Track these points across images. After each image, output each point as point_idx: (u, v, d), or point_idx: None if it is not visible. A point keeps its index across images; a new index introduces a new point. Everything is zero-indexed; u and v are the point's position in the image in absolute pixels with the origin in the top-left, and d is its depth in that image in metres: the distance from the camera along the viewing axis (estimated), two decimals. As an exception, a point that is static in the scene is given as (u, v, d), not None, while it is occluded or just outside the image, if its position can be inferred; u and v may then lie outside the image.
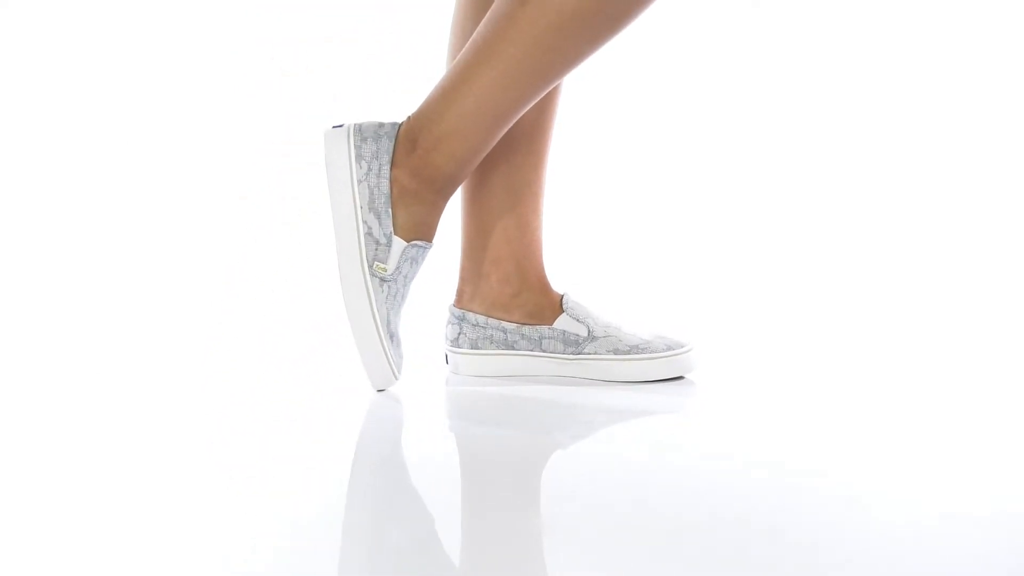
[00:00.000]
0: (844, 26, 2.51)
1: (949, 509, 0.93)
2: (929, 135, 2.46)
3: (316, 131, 1.41)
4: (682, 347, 1.40)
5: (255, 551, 0.87)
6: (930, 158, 2.45)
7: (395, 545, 0.88)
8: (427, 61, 2.03)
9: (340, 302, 1.31)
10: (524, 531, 0.92)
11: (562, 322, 1.41)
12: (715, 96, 2.55)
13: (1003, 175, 2.41)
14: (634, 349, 1.39)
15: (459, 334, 1.44)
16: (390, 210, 1.31)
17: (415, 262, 1.33)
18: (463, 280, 1.45)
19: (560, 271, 1.49)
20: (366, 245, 1.31)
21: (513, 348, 1.42)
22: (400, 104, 1.45)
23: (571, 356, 1.41)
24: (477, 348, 1.43)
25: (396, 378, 1.33)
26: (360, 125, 1.33)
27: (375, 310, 1.30)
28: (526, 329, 1.42)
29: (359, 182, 1.31)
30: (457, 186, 1.34)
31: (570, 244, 2.03)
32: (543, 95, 1.32)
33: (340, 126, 1.33)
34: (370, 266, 1.30)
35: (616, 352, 1.39)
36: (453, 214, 1.44)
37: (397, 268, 1.31)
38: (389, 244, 1.31)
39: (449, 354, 1.46)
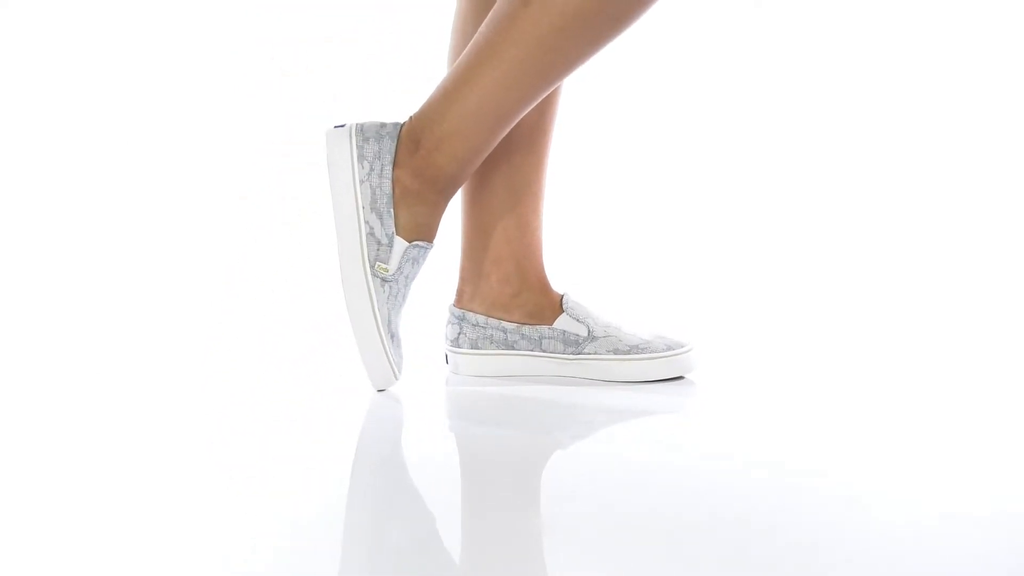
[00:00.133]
0: (845, 27, 2.51)
1: (949, 509, 0.93)
2: (929, 135, 2.46)
3: (316, 131, 1.42)
4: (682, 347, 1.40)
5: (255, 551, 0.87)
6: (930, 158, 2.45)
7: (395, 545, 0.88)
8: (427, 61, 2.03)
9: (341, 302, 1.31)
10: (524, 531, 0.92)
11: (562, 322, 1.41)
12: (715, 97, 2.55)
13: (1003, 175, 2.41)
14: (634, 349, 1.39)
15: (459, 334, 1.44)
16: (392, 210, 1.31)
17: (416, 262, 1.33)
18: (463, 280, 1.45)
19: (560, 271, 1.49)
20: (368, 245, 1.30)
21: (513, 348, 1.42)
22: (400, 104, 1.45)
23: (571, 356, 1.41)
24: (477, 348, 1.43)
25: (396, 378, 1.33)
26: (362, 125, 1.33)
27: (376, 310, 1.30)
28: (526, 329, 1.42)
29: (361, 182, 1.31)
30: (459, 186, 1.34)
31: (570, 244, 2.03)
32: (545, 95, 1.31)
33: (342, 126, 1.33)
34: (372, 266, 1.30)
35: (616, 352, 1.39)
36: (453, 214, 1.44)
37: (399, 268, 1.31)
38: (391, 244, 1.31)
39: (449, 354, 1.46)
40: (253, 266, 2.30)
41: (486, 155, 1.33)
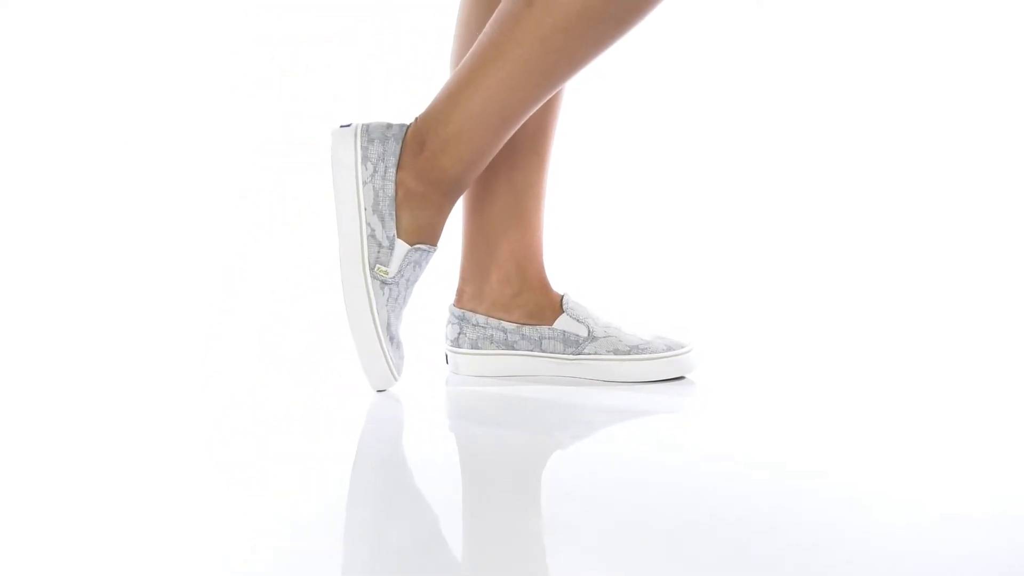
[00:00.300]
0: (846, 28, 2.51)
1: (949, 510, 0.93)
2: (929, 136, 2.46)
3: (316, 131, 1.42)
4: (682, 347, 1.40)
5: (255, 551, 0.87)
6: (930, 159, 2.45)
7: (395, 545, 0.88)
8: (427, 61, 2.03)
9: (340, 303, 1.31)
10: (524, 531, 0.92)
11: (562, 322, 1.41)
12: (715, 98, 2.55)
13: (1003, 175, 2.41)
14: (634, 349, 1.39)
15: (459, 334, 1.44)
16: (394, 213, 1.30)
17: (418, 265, 1.32)
18: (463, 280, 1.45)
19: (560, 271, 1.49)
20: (368, 247, 1.30)
21: (513, 348, 1.42)
22: (400, 104, 1.45)
23: (571, 356, 1.41)
24: (477, 348, 1.43)
25: (395, 380, 1.33)
26: (368, 125, 1.32)
27: (375, 312, 1.30)
28: (526, 329, 1.42)
29: (364, 183, 1.31)
30: (464, 189, 1.33)
31: (570, 244, 2.03)
32: (550, 96, 1.31)
33: (348, 125, 1.33)
34: (371, 268, 1.30)
35: (616, 352, 1.39)
36: (454, 214, 1.44)
37: (399, 271, 1.31)
38: (392, 247, 1.30)
39: (449, 354, 1.46)
40: (253, 266, 2.30)
41: (491, 156, 1.32)
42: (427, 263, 1.34)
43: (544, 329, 1.41)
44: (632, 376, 1.39)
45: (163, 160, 2.47)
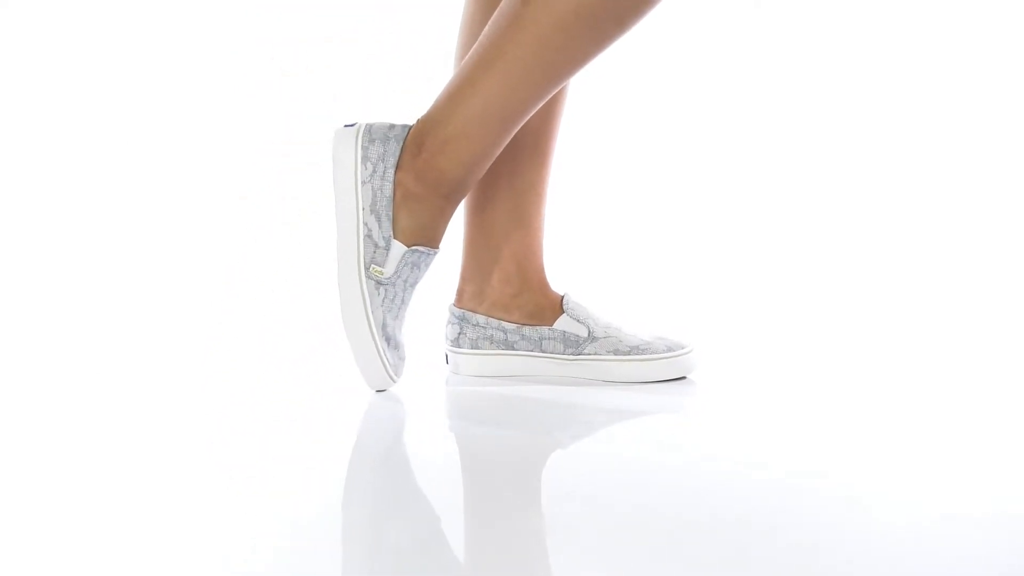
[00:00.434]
0: (845, 27, 2.51)
1: (949, 510, 0.93)
2: (929, 136, 2.46)
3: (316, 131, 1.42)
4: (682, 348, 1.40)
5: (255, 551, 0.87)
6: (929, 159, 2.45)
7: (395, 545, 0.88)
8: (427, 61, 2.03)
9: (336, 302, 1.31)
10: (524, 531, 0.92)
11: (562, 323, 1.41)
12: (715, 98, 2.55)
13: (1003, 175, 2.41)
14: (634, 350, 1.39)
15: (459, 334, 1.44)
16: (391, 213, 1.30)
17: (416, 267, 1.32)
18: (464, 280, 1.45)
19: (560, 271, 1.49)
20: (364, 247, 1.30)
21: (513, 348, 1.42)
22: (400, 104, 1.45)
23: (571, 357, 1.41)
24: (477, 348, 1.43)
25: (393, 381, 1.33)
26: (371, 126, 1.32)
27: (369, 313, 1.29)
28: (526, 330, 1.42)
29: (363, 183, 1.31)
30: (465, 192, 1.32)
31: (570, 244, 2.03)
32: (550, 96, 1.31)
33: (352, 125, 1.33)
34: (366, 268, 1.29)
35: (616, 353, 1.39)
36: (455, 215, 1.44)
37: (396, 272, 1.30)
38: (388, 248, 1.30)
39: (449, 354, 1.46)
40: (253, 266, 2.30)
41: (492, 159, 1.32)
42: (427, 265, 1.33)
43: (544, 329, 1.41)
44: (632, 377, 1.39)
45: (163, 160, 2.47)
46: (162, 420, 1.28)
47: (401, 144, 1.31)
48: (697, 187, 2.52)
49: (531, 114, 1.30)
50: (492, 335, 1.43)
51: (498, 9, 1.28)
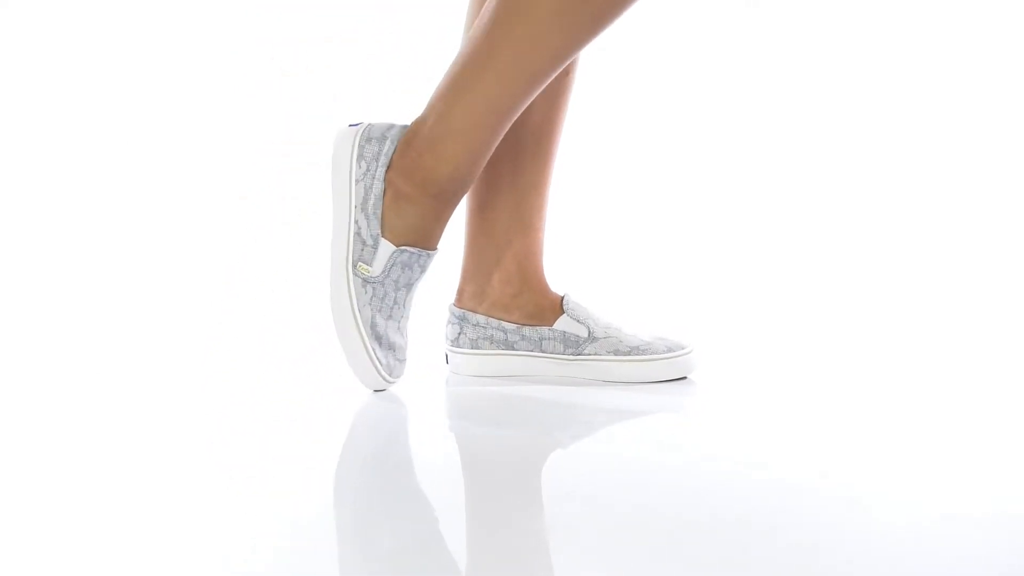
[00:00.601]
0: (843, 26, 2.51)
1: (949, 510, 0.93)
2: (928, 135, 2.46)
3: (316, 131, 1.42)
4: (683, 348, 1.40)
5: (255, 551, 0.87)
6: (929, 158, 2.45)
7: (395, 545, 0.88)
8: (427, 61, 2.02)
9: (326, 299, 1.32)
10: (524, 531, 0.92)
11: (562, 323, 1.41)
12: (715, 98, 2.55)
13: (1003, 175, 2.41)
14: (634, 350, 1.39)
15: (459, 334, 1.44)
16: (379, 212, 1.31)
17: (408, 268, 1.32)
18: (464, 279, 1.45)
19: (560, 272, 1.49)
20: (353, 244, 1.31)
21: (513, 348, 1.42)
22: (400, 104, 1.45)
23: (571, 357, 1.41)
24: (477, 348, 1.43)
25: (385, 380, 1.33)
26: (372, 126, 1.33)
27: (356, 310, 1.30)
28: (526, 330, 1.42)
29: (356, 181, 1.31)
30: (457, 193, 1.32)
31: (570, 245, 2.03)
32: (534, 94, 1.30)
33: (356, 124, 1.34)
34: (353, 266, 1.30)
35: (616, 353, 1.39)
36: (457, 214, 1.44)
37: (385, 272, 1.31)
38: (376, 246, 1.30)
39: (449, 354, 1.46)
40: (253, 266, 2.30)
41: (481, 159, 1.31)
42: (421, 267, 1.33)
43: (544, 330, 1.41)
44: (632, 377, 1.39)
45: (163, 160, 2.47)
46: (162, 420, 1.28)
47: (396, 144, 1.31)
48: (697, 188, 2.52)
49: (517, 113, 1.30)
50: (492, 335, 1.43)
51: (483, 9, 1.29)
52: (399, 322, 1.33)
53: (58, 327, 1.83)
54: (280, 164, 2.41)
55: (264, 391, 1.40)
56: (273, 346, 1.68)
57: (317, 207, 1.78)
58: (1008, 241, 2.29)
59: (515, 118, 1.31)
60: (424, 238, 1.32)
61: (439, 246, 1.34)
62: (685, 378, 1.40)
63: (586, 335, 1.40)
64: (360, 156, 1.32)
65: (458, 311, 1.44)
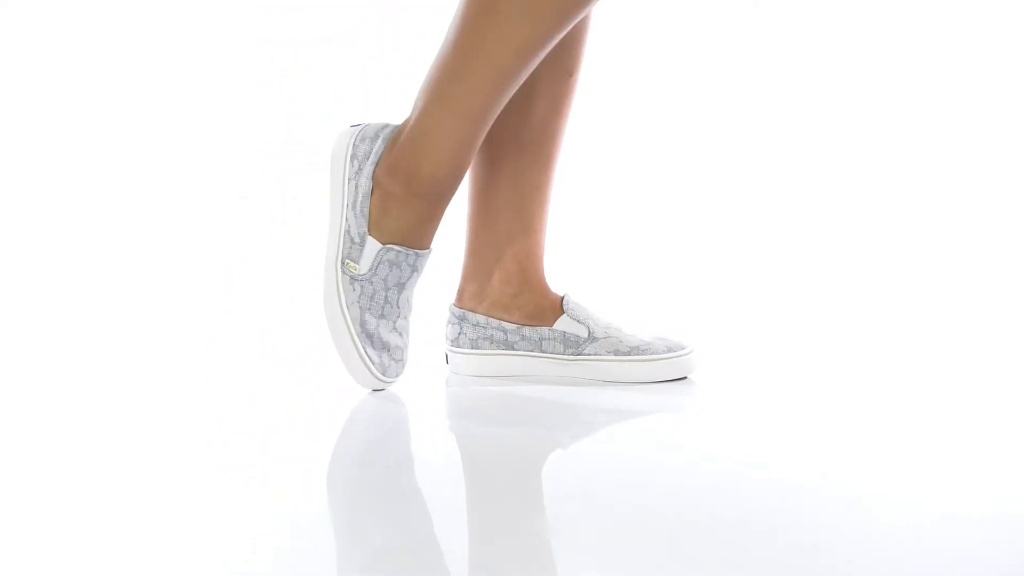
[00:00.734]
0: (844, 27, 2.51)
1: (949, 510, 0.93)
2: (928, 136, 2.46)
3: (316, 131, 1.42)
4: (683, 349, 1.40)
5: (255, 551, 0.87)
6: (929, 159, 2.45)
7: (395, 545, 0.88)
8: (427, 61, 2.02)
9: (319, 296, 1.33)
10: (524, 531, 0.92)
11: (562, 323, 1.41)
12: (715, 99, 2.54)
13: (1003, 175, 2.41)
14: (634, 350, 1.39)
15: (459, 334, 1.44)
16: (366, 210, 1.32)
17: (395, 266, 1.32)
18: (465, 279, 1.45)
19: (560, 272, 1.49)
20: (343, 242, 1.32)
21: (513, 348, 1.42)
22: (400, 104, 1.45)
23: (571, 357, 1.41)
24: (477, 348, 1.43)
25: (380, 380, 1.33)
26: (368, 126, 1.35)
27: (344, 308, 1.31)
28: (526, 330, 1.42)
29: (348, 181, 1.33)
30: (443, 191, 1.32)
31: (570, 245, 2.03)
32: (507, 90, 1.29)
33: (358, 125, 1.35)
34: (342, 264, 1.31)
35: (616, 353, 1.39)
36: (450, 215, 1.44)
37: (372, 270, 1.31)
38: (362, 244, 1.31)
39: (449, 354, 1.46)
40: (253, 266, 2.30)
41: (463, 157, 1.31)
42: (410, 265, 1.33)
43: (544, 330, 1.41)
44: (632, 377, 1.39)
45: (163, 160, 2.47)
46: (162, 420, 1.28)
47: (386, 143, 1.33)
48: (697, 188, 2.52)
49: (493, 110, 1.30)
50: (492, 335, 1.43)
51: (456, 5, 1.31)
52: (394, 321, 1.33)
53: (58, 327, 1.83)
54: (280, 164, 2.41)
55: (264, 391, 1.40)
56: (273, 346, 1.68)
57: (317, 207, 1.78)
58: (1008, 241, 2.29)
59: (493, 115, 1.31)
60: (412, 237, 1.32)
61: (432, 247, 1.35)
62: (685, 378, 1.40)
63: (586, 335, 1.40)
64: (353, 156, 1.33)
65: (458, 311, 1.44)
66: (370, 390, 1.34)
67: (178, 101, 2.49)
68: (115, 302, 2.03)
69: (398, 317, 1.34)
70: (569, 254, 1.84)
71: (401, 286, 1.33)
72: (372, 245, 1.31)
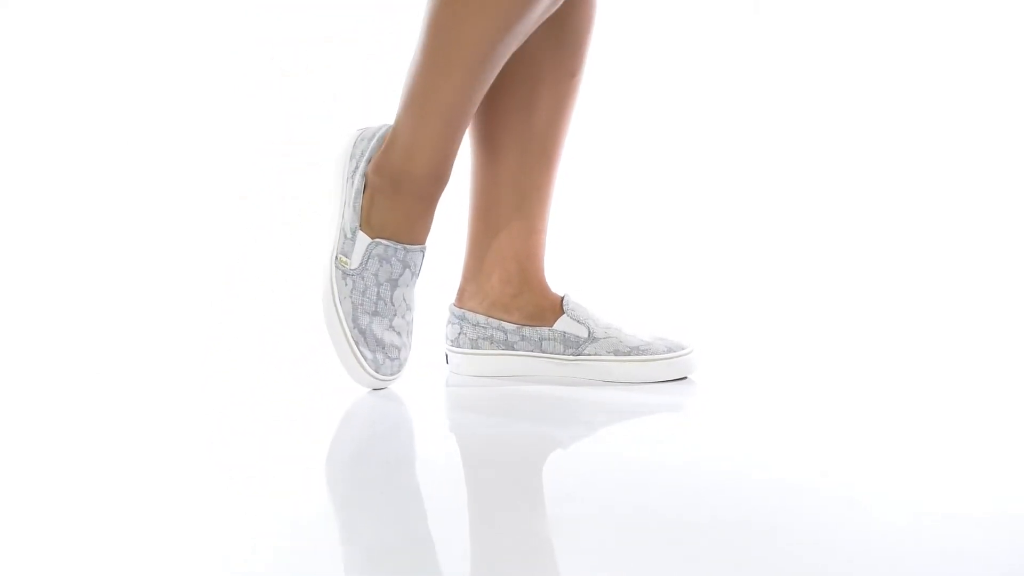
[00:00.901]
0: (844, 30, 2.51)
1: (949, 509, 0.93)
2: (928, 136, 2.46)
3: (316, 131, 1.43)
4: (683, 349, 1.40)
5: (255, 551, 0.87)
6: (929, 159, 2.45)
7: (395, 545, 0.88)
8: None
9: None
10: (524, 531, 0.92)
11: (562, 323, 1.41)
12: (715, 99, 2.55)
13: (1003, 175, 2.41)
14: (634, 351, 1.39)
15: (459, 334, 1.44)
16: (359, 206, 1.33)
17: (385, 261, 1.32)
18: (465, 279, 1.45)
19: (560, 272, 1.49)
20: (339, 237, 1.34)
21: (513, 349, 1.42)
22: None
23: (571, 357, 1.41)
24: (477, 348, 1.43)
25: (374, 378, 1.33)
26: (369, 127, 1.37)
27: (337, 302, 1.32)
28: (526, 330, 1.42)
29: (347, 179, 1.35)
30: (429, 187, 1.33)
31: (570, 244, 2.03)
32: (479, 85, 1.30)
33: (365, 127, 1.38)
34: (336, 258, 1.32)
35: (616, 353, 1.39)
36: (451, 215, 1.44)
37: (362, 265, 1.32)
38: (354, 239, 1.33)
39: (449, 354, 1.46)
40: (253, 266, 2.30)
41: (442, 155, 1.32)
42: (400, 261, 1.33)
43: (544, 330, 1.41)
44: (632, 377, 1.39)
45: (163, 160, 2.47)
46: (162, 420, 1.28)
47: (380, 142, 1.34)
48: (697, 188, 2.52)
49: (468, 107, 1.30)
50: (492, 335, 1.43)
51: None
52: (389, 320, 1.33)
53: (58, 327, 1.83)
54: (280, 164, 2.41)
55: (264, 391, 1.40)
56: (273, 346, 1.68)
57: (317, 207, 1.78)
58: (1008, 241, 2.29)
59: (467, 113, 1.31)
60: (400, 232, 1.33)
61: (426, 244, 1.35)
62: (685, 378, 1.40)
63: (586, 335, 1.40)
64: (352, 155, 1.36)
65: (458, 311, 1.44)
66: (369, 389, 1.34)
67: (178, 101, 2.49)
68: (115, 302, 2.03)
69: (394, 315, 1.34)
70: (569, 254, 1.84)
71: (393, 283, 1.33)
72: (362, 240, 1.32)
